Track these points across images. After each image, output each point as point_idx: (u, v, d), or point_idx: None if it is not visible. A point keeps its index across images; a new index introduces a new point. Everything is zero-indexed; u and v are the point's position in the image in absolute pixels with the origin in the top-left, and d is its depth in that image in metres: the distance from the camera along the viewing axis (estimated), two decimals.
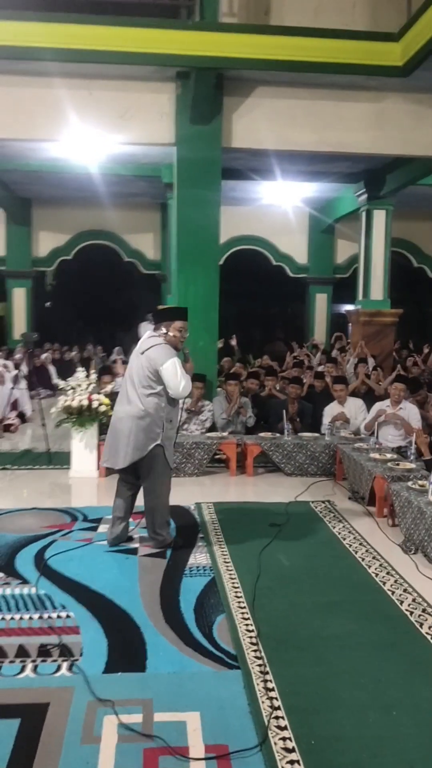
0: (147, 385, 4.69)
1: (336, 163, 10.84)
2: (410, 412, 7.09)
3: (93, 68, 7.55)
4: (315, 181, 12.33)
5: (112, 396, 7.46)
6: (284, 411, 7.60)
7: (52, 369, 13.82)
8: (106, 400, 7.05)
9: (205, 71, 7.39)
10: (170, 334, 4.83)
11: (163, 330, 4.84)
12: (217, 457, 7.33)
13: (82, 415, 6.96)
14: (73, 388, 7.08)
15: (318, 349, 13.95)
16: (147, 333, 4.87)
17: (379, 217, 12.14)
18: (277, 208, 15.33)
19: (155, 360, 4.67)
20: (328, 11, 7.93)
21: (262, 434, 7.41)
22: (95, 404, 6.94)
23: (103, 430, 7.21)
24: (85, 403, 6.93)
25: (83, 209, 15.58)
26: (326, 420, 7.71)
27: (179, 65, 7.53)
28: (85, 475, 7.02)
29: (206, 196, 8.14)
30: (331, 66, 7.45)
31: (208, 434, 7.41)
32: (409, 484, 5.30)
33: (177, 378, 4.67)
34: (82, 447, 7.07)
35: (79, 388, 7.05)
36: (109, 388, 7.62)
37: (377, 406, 7.32)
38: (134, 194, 14.23)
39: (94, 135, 8.02)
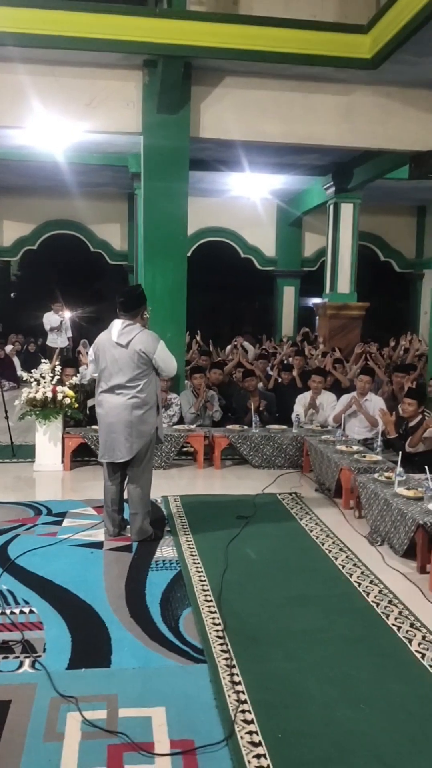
0: (141, 375, 4.67)
1: (304, 155, 10.84)
2: (375, 403, 7.11)
3: (58, 54, 7.39)
4: (283, 173, 12.32)
5: (77, 388, 7.39)
6: (252, 403, 7.57)
7: (16, 361, 13.61)
8: (71, 393, 6.95)
9: (173, 59, 7.29)
10: (146, 316, 4.85)
11: (141, 316, 4.80)
12: (185, 449, 7.28)
13: (46, 408, 6.84)
14: (37, 380, 6.96)
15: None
16: (119, 323, 4.74)
17: (347, 210, 12.19)
18: (245, 199, 15.26)
19: (147, 349, 4.65)
20: (297, 1, 7.85)
21: (229, 426, 7.37)
22: (60, 396, 6.83)
23: (67, 423, 7.13)
24: (50, 395, 6.81)
25: (49, 198, 15.35)
26: (298, 408, 7.69)
27: (146, 53, 7.40)
28: (50, 469, 6.90)
29: (174, 187, 8.05)
30: (300, 57, 7.41)
31: (176, 426, 7.34)
32: (375, 476, 5.32)
33: (171, 359, 4.79)
34: (46, 440, 6.93)
35: (43, 380, 6.93)
36: (74, 380, 7.49)
37: (345, 398, 7.34)
38: (101, 184, 14.08)
39: (59, 122, 7.86)
